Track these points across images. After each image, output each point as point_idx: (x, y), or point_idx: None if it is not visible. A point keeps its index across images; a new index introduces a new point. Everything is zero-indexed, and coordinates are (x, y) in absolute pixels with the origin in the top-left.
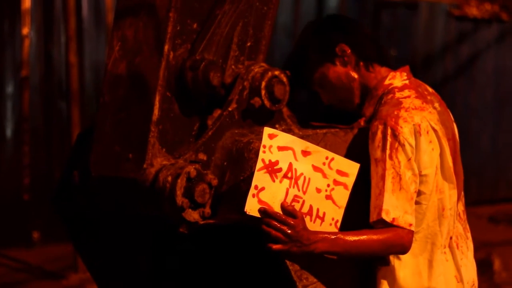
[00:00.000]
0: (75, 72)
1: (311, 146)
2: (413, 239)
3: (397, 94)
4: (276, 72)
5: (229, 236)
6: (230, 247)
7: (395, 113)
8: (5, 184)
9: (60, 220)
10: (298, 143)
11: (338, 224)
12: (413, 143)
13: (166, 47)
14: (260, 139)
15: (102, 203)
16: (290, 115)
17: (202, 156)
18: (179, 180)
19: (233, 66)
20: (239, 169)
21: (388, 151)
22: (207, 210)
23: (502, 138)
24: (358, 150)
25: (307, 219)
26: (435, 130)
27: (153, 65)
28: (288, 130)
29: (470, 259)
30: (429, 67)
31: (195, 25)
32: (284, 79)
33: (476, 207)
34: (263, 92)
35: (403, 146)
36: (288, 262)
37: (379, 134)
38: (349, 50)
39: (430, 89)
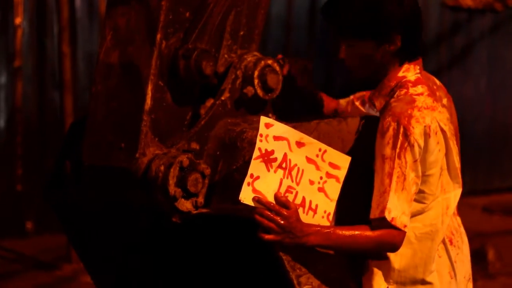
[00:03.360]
0: (68, 62)
1: (305, 138)
2: (414, 235)
3: (411, 90)
4: (269, 61)
5: (222, 225)
6: (223, 236)
7: (409, 112)
8: None
9: (52, 210)
10: (293, 134)
11: (330, 217)
12: (422, 145)
13: (158, 36)
14: (253, 128)
15: (95, 192)
16: (283, 104)
17: (194, 146)
18: (171, 170)
19: (226, 55)
20: (232, 158)
21: (397, 150)
22: (200, 199)
23: (496, 128)
24: (355, 140)
25: (299, 210)
26: (443, 131)
27: (145, 54)
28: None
29: (465, 253)
30: (423, 57)
31: (187, 14)
32: (277, 68)
33: (470, 197)
34: (256, 81)
35: (412, 146)
36: (281, 252)
37: (391, 131)
38: (400, 45)
39: (438, 82)
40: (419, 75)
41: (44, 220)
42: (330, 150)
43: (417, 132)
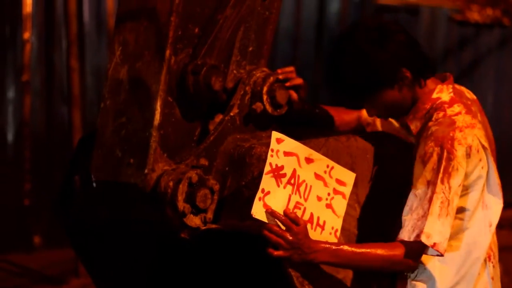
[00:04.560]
0: (76, 76)
1: (314, 154)
2: (458, 253)
3: (448, 111)
4: (278, 77)
5: (231, 241)
6: (232, 252)
7: (451, 134)
8: (6, 189)
9: (61, 225)
10: (302, 150)
11: (338, 234)
12: (465, 167)
13: (167, 52)
14: (262, 144)
15: (103, 208)
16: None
17: (203, 161)
18: (180, 186)
19: (234, 71)
20: (241, 174)
21: (440, 175)
22: (209, 215)
23: (504, 143)
24: (370, 157)
25: (307, 226)
26: (484, 148)
27: (154, 70)
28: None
29: (498, 268)
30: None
31: (196, 30)
32: (286, 84)
33: None
34: (264, 97)
35: (456, 171)
36: (290, 269)
37: (435, 157)
38: (409, 74)
39: (470, 96)
40: (452, 94)
41: (51, 234)
42: (336, 166)
43: (459, 155)
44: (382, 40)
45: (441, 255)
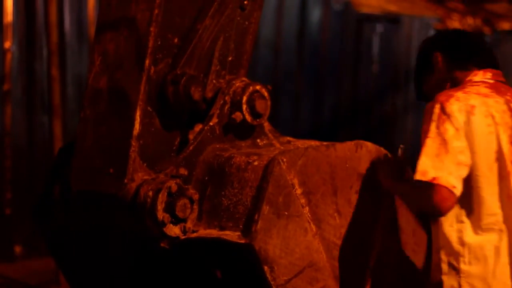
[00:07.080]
0: (57, 86)
1: None
2: None
3: (468, 84)
4: (257, 87)
5: (210, 250)
6: (211, 261)
7: (451, 93)
8: None
9: (41, 235)
10: None
11: None
12: (461, 119)
13: (147, 62)
14: (241, 154)
15: (83, 217)
16: (271, 129)
17: (183, 171)
18: (160, 195)
19: (214, 81)
20: (220, 183)
21: (435, 122)
22: (189, 225)
23: None
24: (350, 166)
25: None
26: (493, 116)
27: (134, 80)
28: (269, 145)
29: None
30: (412, 81)
31: (176, 40)
32: (265, 94)
33: None
34: (244, 106)
35: (449, 116)
36: (269, 277)
37: (430, 110)
38: (441, 56)
39: None
40: (488, 80)
41: (33, 244)
42: None
43: (454, 108)
44: (432, 38)
45: (452, 192)
